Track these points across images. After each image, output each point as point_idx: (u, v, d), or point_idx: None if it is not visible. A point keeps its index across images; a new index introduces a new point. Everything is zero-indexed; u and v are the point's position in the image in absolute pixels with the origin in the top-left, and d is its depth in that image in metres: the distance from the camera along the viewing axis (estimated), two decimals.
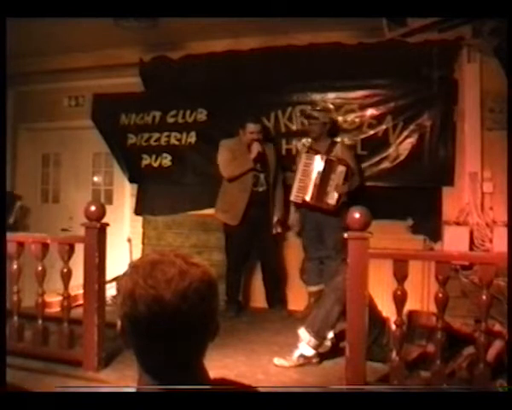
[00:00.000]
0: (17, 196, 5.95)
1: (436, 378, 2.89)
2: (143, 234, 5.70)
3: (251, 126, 4.70)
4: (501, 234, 4.20)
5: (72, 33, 4.84)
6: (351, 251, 2.98)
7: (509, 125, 3.70)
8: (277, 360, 3.46)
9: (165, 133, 5.48)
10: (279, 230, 4.82)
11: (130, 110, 5.59)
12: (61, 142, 6.26)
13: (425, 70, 4.62)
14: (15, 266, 3.54)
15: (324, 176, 4.48)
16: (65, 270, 3.44)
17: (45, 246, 3.48)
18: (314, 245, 4.57)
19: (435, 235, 4.66)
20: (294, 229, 4.81)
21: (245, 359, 3.55)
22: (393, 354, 3.00)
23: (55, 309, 3.97)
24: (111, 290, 4.09)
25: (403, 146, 4.76)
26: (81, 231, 3.47)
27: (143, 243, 5.70)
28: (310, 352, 3.43)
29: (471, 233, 4.47)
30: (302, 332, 3.46)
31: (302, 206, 4.61)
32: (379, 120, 4.82)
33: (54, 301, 4.08)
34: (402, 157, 4.76)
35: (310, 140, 4.87)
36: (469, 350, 3.12)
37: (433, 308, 3.25)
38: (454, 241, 4.41)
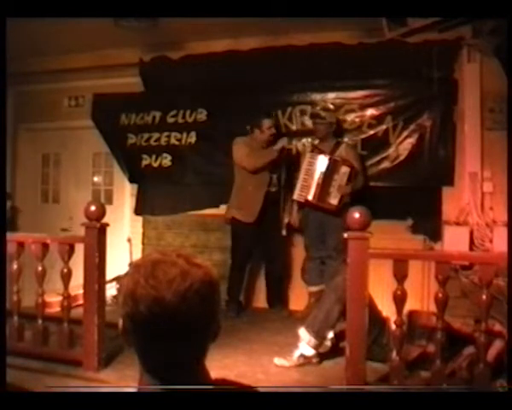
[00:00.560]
0: (7, 196, 5.94)
1: (436, 378, 2.89)
2: (143, 234, 5.71)
3: (267, 122, 4.70)
4: (501, 234, 4.20)
5: (72, 33, 4.84)
6: (351, 251, 2.98)
7: (509, 125, 3.70)
8: (278, 360, 3.46)
9: (165, 133, 5.48)
10: (285, 232, 4.77)
11: (131, 110, 5.59)
12: (61, 142, 6.26)
13: (425, 70, 4.63)
14: (15, 266, 3.54)
15: (327, 176, 4.47)
16: (65, 270, 3.43)
17: (45, 246, 3.48)
18: (316, 245, 4.57)
19: (435, 235, 4.66)
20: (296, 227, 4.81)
21: (245, 359, 3.55)
22: (393, 354, 3.00)
23: (55, 309, 3.96)
24: (111, 290, 4.10)
25: (403, 146, 4.76)
26: (81, 231, 3.47)
27: (143, 243, 5.70)
28: (310, 352, 3.43)
29: (471, 233, 4.47)
30: (302, 332, 3.46)
31: (305, 205, 4.60)
32: (379, 120, 4.82)
33: (54, 301, 4.07)
34: (402, 157, 4.76)
35: (310, 140, 4.86)
36: (469, 350, 3.12)
37: (433, 308, 3.24)
38: (454, 241, 4.41)
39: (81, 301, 3.55)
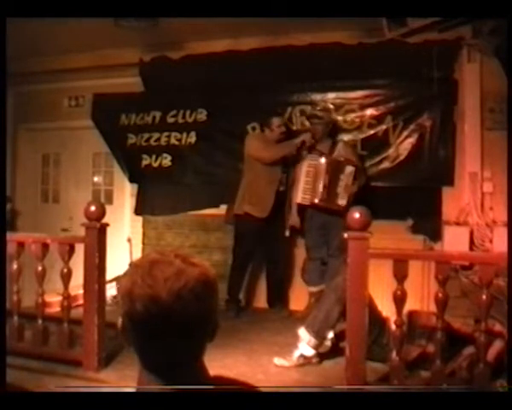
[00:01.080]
0: (7, 198, 5.94)
1: (436, 378, 2.89)
2: (143, 234, 5.71)
3: (277, 120, 4.70)
4: (501, 234, 4.20)
5: (72, 33, 4.85)
6: (351, 251, 2.98)
7: (509, 125, 3.70)
8: (277, 360, 3.46)
9: (165, 133, 5.48)
10: (288, 233, 4.73)
11: (131, 110, 5.60)
12: (61, 142, 6.26)
13: (425, 70, 4.63)
14: (15, 266, 3.54)
15: (333, 177, 4.44)
16: (65, 270, 3.44)
17: (45, 246, 3.49)
18: (318, 245, 4.56)
19: (435, 235, 4.66)
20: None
21: (245, 359, 3.55)
22: (393, 354, 3.00)
23: (55, 309, 3.96)
24: (111, 290, 4.09)
25: (403, 146, 4.76)
26: (81, 231, 3.47)
27: (143, 243, 5.70)
28: (310, 352, 3.43)
29: (471, 233, 4.47)
30: (302, 332, 3.46)
31: (309, 207, 4.56)
32: (379, 120, 4.82)
33: (54, 301, 4.07)
34: (402, 157, 4.76)
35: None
36: (469, 350, 3.12)
37: (433, 308, 3.24)
38: (454, 241, 4.41)
39: (81, 301, 3.55)
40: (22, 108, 6.12)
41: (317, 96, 5.03)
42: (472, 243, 4.46)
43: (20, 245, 3.54)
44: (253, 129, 5.11)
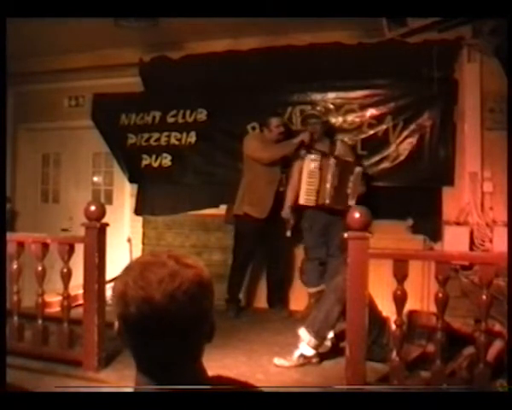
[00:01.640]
0: (7, 199, 5.94)
1: (436, 378, 2.89)
2: (143, 234, 5.71)
3: (275, 121, 4.69)
4: (501, 234, 4.20)
5: (72, 33, 4.85)
6: (351, 251, 2.98)
7: (509, 125, 3.70)
8: (277, 360, 3.46)
9: (165, 133, 5.48)
10: (289, 233, 4.68)
11: (131, 110, 5.59)
12: (61, 142, 6.26)
13: (425, 70, 4.62)
14: (15, 266, 3.54)
15: (343, 177, 4.42)
16: (65, 270, 3.44)
17: (45, 246, 3.49)
18: (318, 246, 4.54)
19: (435, 235, 4.67)
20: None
21: (245, 359, 3.55)
22: (393, 354, 3.00)
23: (55, 309, 3.96)
24: (111, 290, 4.09)
25: (403, 146, 4.76)
26: (81, 231, 3.47)
27: (143, 243, 5.70)
28: (310, 352, 3.43)
29: (471, 233, 4.47)
30: (302, 332, 3.46)
31: (312, 208, 4.49)
32: (379, 120, 4.82)
33: (54, 301, 4.08)
34: (402, 157, 4.76)
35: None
36: (469, 350, 3.12)
37: (433, 308, 3.25)
38: (454, 241, 4.41)
39: (81, 301, 3.55)
40: (22, 108, 6.12)
41: (317, 96, 5.03)
42: (472, 243, 4.46)
43: (20, 245, 3.54)
44: (253, 129, 5.11)
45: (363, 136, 4.87)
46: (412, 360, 3.24)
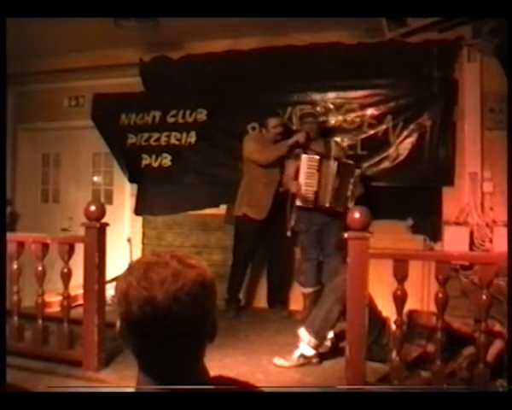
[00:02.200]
0: (7, 202, 5.94)
1: (436, 378, 2.89)
2: (143, 234, 5.71)
3: (273, 121, 4.67)
4: (501, 234, 4.20)
5: (72, 33, 4.84)
6: (351, 251, 2.98)
7: (509, 125, 3.70)
8: (277, 360, 3.46)
9: (165, 133, 5.48)
10: (290, 233, 4.63)
11: (131, 110, 5.59)
12: (61, 142, 6.26)
13: (425, 70, 4.63)
14: (15, 266, 3.54)
15: (344, 179, 4.39)
16: (65, 270, 3.44)
17: (45, 246, 3.49)
18: (315, 246, 4.51)
19: (435, 235, 4.66)
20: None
21: (245, 359, 3.55)
22: (393, 354, 3.00)
23: (55, 309, 3.96)
24: (111, 290, 4.08)
25: (403, 146, 4.76)
26: (81, 231, 3.47)
27: (143, 243, 5.70)
28: (310, 352, 3.43)
29: (471, 233, 4.47)
30: (302, 332, 3.46)
31: (310, 209, 4.44)
32: (379, 119, 4.82)
33: (54, 301, 4.08)
34: (402, 157, 4.76)
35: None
36: (469, 350, 3.12)
37: (433, 308, 3.25)
38: (454, 241, 4.41)
39: (81, 301, 3.55)
40: (22, 108, 6.12)
41: (317, 96, 5.03)
42: (472, 243, 4.46)
43: (20, 245, 3.55)
44: (253, 129, 5.10)
45: (363, 136, 4.87)
46: (412, 360, 3.25)
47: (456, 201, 4.63)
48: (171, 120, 5.46)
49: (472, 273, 4.03)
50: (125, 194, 5.92)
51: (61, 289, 3.50)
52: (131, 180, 5.75)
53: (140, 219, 5.73)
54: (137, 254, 5.44)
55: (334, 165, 4.43)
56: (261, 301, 5.11)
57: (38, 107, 6.09)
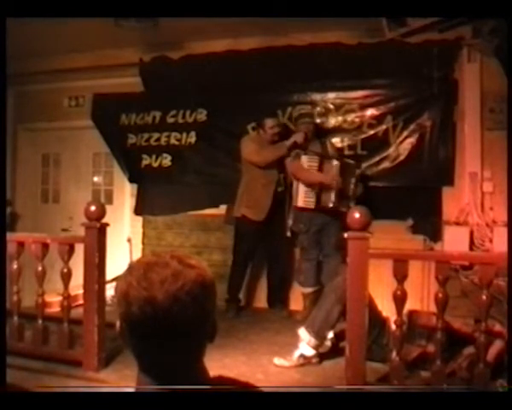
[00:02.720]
0: (7, 202, 5.93)
1: (436, 378, 2.89)
2: (143, 234, 5.71)
3: (270, 122, 4.67)
4: (501, 234, 4.20)
5: (72, 33, 4.84)
6: (351, 251, 2.98)
7: (509, 125, 3.70)
8: (277, 360, 3.46)
9: (165, 133, 5.48)
10: (289, 233, 4.63)
11: (131, 110, 5.60)
12: (61, 142, 6.26)
13: (425, 70, 4.63)
14: (15, 266, 3.54)
15: (345, 180, 4.40)
16: (65, 270, 3.44)
17: (45, 246, 3.49)
18: (315, 246, 4.51)
19: (435, 235, 4.66)
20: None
21: (245, 359, 3.55)
22: (393, 354, 3.00)
23: (55, 309, 3.96)
24: (111, 290, 4.09)
25: (403, 146, 4.76)
26: (81, 231, 3.47)
27: (143, 243, 5.70)
28: (310, 352, 3.43)
29: (471, 233, 4.47)
30: (302, 332, 3.46)
31: (311, 210, 4.42)
32: (379, 120, 4.82)
33: (54, 301, 4.08)
34: (402, 157, 4.76)
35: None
36: (469, 350, 3.12)
37: (433, 308, 3.25)
38: (454, 241, 4.41)
39: (81, 301, 3.55)
40: (22, 108, 6.12)
41: (316, 97, 5.03)
42: (472, 243, 4.46)
43: (20, 245, 3.54)
44: (253, 129, 5.10)
45: (363, 136, 4.87)
46: (412, 360, 3.24)
47: (456, 201, 4.63)
48: (171, 120, 5.46)
49: (472, 273, 4.03)
50: (125, 194, 5.92)
51: (60, 289, 3.50)
52: (131, 180, 5.75)
53: (140, 219, 5.73)
54: (137, 254, 5.44)
55: (335, 165, 4.43)
56: (261, 301, 5.11)
57: (38, 107, 6.09)
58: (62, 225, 5.93)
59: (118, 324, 1.00)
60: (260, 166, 4.62)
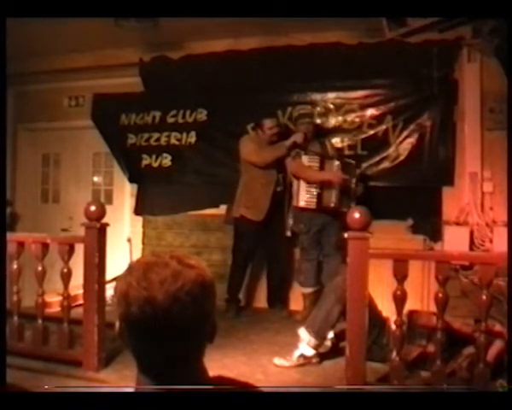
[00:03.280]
0: (7, 202, 5.93)
1: (436, 378, 2.89)
2: (143, 234, 5.71)
3: (268, 122, 4.67)
4: (501, 234, 4.20)
5: (72, 33, 4.84)
6: (351, 251, 2.98)
7: (509, 125, 3.70)
8: (277, 360, 3.46)
9: (165, 133, 5.48)
10: (289, 233, 4.63)
11: (131, 110, 5.60)
12: (61, 142, 6.26)
13: (425, 70, 4.63)
14: (15, 266, 3.54)
15: (346, 180, 4.40)
16: (65, 270, 3.44)
17: (45, 246, 3.49)
18: (315, 246, 4.50)
19: (435, 235, 4.66)
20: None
21: (245, 359, 3.55)
22: (393, 354, 3.00)
23: (55, 309, 3.96)
24: (111, 290, 4.09)
25: (403, 146, 4.76)
26: (81, 231, 3.47)
27: (143, 243, 5.70)
28: (310, 352, 3.43)
29: (471, 233, 4.47)
30: (302, 332, 3.46)
31: (312, 210, 4.42)
32: (379, 120, 4.82)
33: (54, 301, 4.08)
34: (402, 157, 4.76)
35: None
36: (469, 350, 3.12)
37: (433, 308, 3.25)
38: (454, 241, 4.41)
39: (81, 301, 3.55)
40: (22, 108, 6.12)
41: (317, 97, 5.03)
42: (472, 243, 4.46)
43: (20, 245, 3.54)
44: (252, 129, 5.10)
45: (363, 136, 4.87)
46: (412, 360, 3.24)
47: (456, 201, 4.63)
48: (171, 120, 5.46)
49: (472, 273, 4.03)
50: (125, 194, 5.92)
51: (60, 289, 3.50)
52: (131, 180, 5.75)
53: (140, 219, 5.73)
54: (137, 254, 5.44)
55: (337, 165, 4.43)
56: (261, 301, 5.11)
57: (38, 107, 6.09)
58: (62, 225, 5.93)
59: (117, 324, 1.00)
60: (260, 166, 4.62)
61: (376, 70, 4.77)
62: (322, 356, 3.51)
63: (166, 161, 5.50)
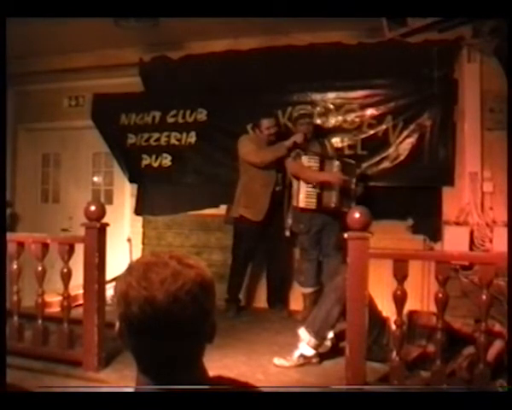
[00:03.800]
0: (7, 203, 5.92)
1: (436, 378, 2.89)
2: (143, 234, 5.71)
3: (266, 122, 4.66)
4: (501, 234, 4.20)
5: (72, 33, 4.85)
6: (351, 251, 2.98)
7: (509, 125, 3.70)
8: (277, 360, 3.46)
9: (165, 133, 5.48)
10: (288, 233, 4.60)
11: (131, 110, 5.59)
12: (61, 142, 6.26)
13: (425, 70, 4.63)
14: (15, 266, 3.54)
15: (346, 180, 4.39)
16: (65, 270, 3.43)
17: (45, 246, 3.48)
18: (315, 246, 4.50)
19: (435, 235, 4.66)
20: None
21: (245, 359, 3.55)
22: (393, 354, 3.00)
23: (55, 309, 3.96)
24: (111, 290, 4.09)
25: (403, 146, 4.76)
26: (81, 231, 3.47)
27: (143, 243, 5.70)
28: (310, 352, 3.43)
29: (471, 233, 4.47)
30: (302, 332, 3.46)
31: (312, 210, 4.40)
32: (379, 119, 4.82)
33: (54, 301, 4.08)
34: (402, 157, 4.76)
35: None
36: (469, 350, 3.12)
37: (433, 308, 3.25)
38: (454, 241, 4.41)
39: (81, 301, 3.55)
40: (22, 108, 6.12)
41: (317, 96, 5.02)
42: (472, 243, 4.46)
43: (20, 245, 3.54)
44: (251, 129, 5.10)
45: (363, 136, 4.87)
46: (412, 360, 3.24)
47: (456, 201, 4.63)
48: (171, 120, 5.46)
49: (472, 273, 4.03)
50: (125, 194, 5.92)
51: (60, 289, 3.50)
52: (131, 180, 5.75)
53: (140, 219, 5.73)
54: (137, 254, 5.43)
55: (337, 165, 4.43)
56: (261, 301, 5.11)
57: (38, 107, 6.09)
58: (62, 225, 5.93)
59: (117, 324, 1.00)
60: (258, 166, 4.62)
61: (376, 70, 4.77)
62: (322, 356, 3.51)
63: (166, 161, 5.50)
